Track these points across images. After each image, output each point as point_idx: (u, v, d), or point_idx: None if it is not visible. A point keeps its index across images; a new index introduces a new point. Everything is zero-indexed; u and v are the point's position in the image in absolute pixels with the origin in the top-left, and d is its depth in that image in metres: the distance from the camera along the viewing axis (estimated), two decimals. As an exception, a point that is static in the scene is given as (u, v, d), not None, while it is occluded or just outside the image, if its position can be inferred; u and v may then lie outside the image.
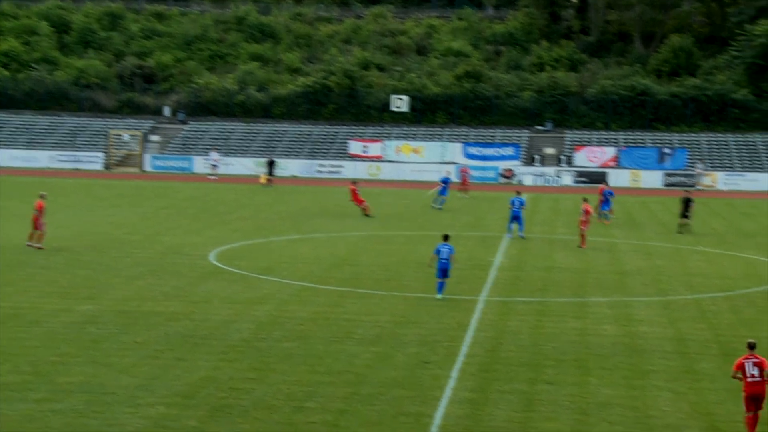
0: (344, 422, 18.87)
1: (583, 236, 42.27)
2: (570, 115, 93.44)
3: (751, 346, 18.37)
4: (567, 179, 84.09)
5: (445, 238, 30.66)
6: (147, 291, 30.87)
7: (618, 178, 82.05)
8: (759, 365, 17.95)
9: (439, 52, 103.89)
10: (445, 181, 60.36)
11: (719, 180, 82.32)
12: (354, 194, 54.10)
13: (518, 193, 46.98)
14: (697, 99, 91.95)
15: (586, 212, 42.50)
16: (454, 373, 22.16)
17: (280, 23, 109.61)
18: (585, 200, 43.96)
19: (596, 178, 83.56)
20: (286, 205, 59.85)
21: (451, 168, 77.81)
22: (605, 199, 53.35)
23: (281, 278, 33.67)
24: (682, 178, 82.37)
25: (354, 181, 56.70)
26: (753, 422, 18.03)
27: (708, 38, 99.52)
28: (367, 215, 52.62)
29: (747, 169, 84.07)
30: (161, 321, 26.63)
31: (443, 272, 29.99)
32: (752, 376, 17.96)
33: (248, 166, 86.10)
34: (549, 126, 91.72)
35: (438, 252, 30.10)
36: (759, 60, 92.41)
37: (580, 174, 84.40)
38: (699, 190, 75.19)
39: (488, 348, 24.63)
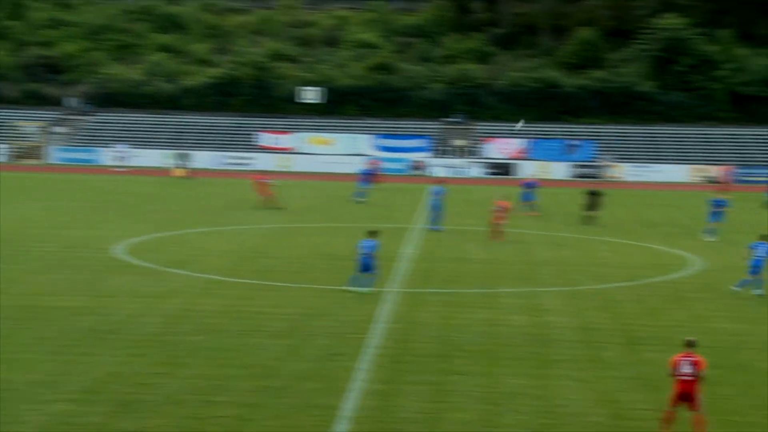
0: (254, 416, 18.75)
1: (498, 231, 42.26)
2: (480, 107, 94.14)
3: (688, 344, 18.34)
4: (477, 171, 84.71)
5: (371, 233, 30.61)
6: (51, 285, 30.29)
7: (527, 170, 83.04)
8: (693, 364, 17.91)
9: (350, 43, 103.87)
10: (367, 173, 60.30)
11: (625, 171, 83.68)
12: (260, 186, 53.67)
13: (440, 184, 46.85)
14: (604, 91, 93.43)
15: (503, 208, 42.55)
16: (365, 365, 22.16)
17: (188, 14, 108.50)
18: (502, 197, 44.00)
19: (506, 169, 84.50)
20: (196, 197, 59.30)
21: (363, 160, 77.85)
22: (528, 191, 53.81)
23: (191, 271, 33.33)
24: (589, 170, 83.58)
25: (262, 173, 56.36)
26: (698, 422, 17.95)
27: (614, 32, 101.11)
28: (273, 208, 52.17)
29: (652, 161, 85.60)
30: (66, 316, 26.16)
31: (363, 267, 29.94)
32: (684, 374, 17.95)
33: (156, 158, 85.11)
34: (459, 118, 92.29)
35: (360, 247, 30.08)
36: (663, 53, 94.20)
37: (490, 165, 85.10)
38: (605, 181, 76.32)
39: (398, 339, 24.68)
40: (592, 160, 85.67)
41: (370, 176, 60.44)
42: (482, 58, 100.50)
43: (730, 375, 22.00)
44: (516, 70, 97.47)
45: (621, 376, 21.96)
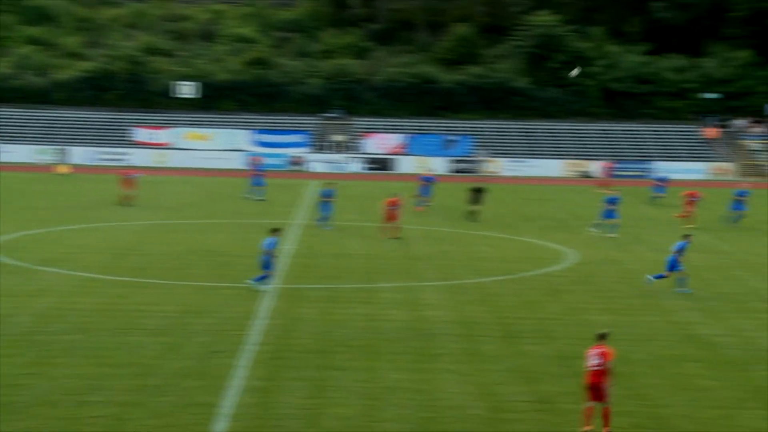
0: (132, 415, 18.38)
1: (392, 227, 41.95)
2: (358, 102, 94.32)
3: (599, 337, 18.54)
4: (356, 166, 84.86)
5: (273, 231, 30.34)
6: None
7: (406, 165, 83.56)
8: (601, 355, 18.08)
9: (226, 38, 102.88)
10: (259, 170, 59.57)
11: (502, 166, 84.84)
12: (125, 182, 52.45)
13: (330, 186, 46.40)
14: (480, 87, 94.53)
15: (393, 203, 42.39)
16: (244, 362, 21.94)
17: (59, 6, 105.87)
18: (394, 195, 43.62)
19: (384, 164, 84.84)
20: (69, 193, 57.98)
21: (242, 155, 77.17)
22: (426, 185, 53.95)
23: (64, 269, 32.54)
24: (467, 165, 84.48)
25: (130, 168, 55.43)
26: (604, 415, 18.09)
27: (490, 28, 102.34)
28: (127, 205, 50.95)
29: (528, 156, 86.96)
30: (-67, 317, 25.26)
31: (263, 264, 29.68)
32: (591, 366, 18.15)
33: (27, 154, 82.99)
34: (337, 113, 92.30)
35: (262, 245, 29.88)
36: (537, 50, 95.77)
37: (369, 161, 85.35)
38: (483, 176, 77.23)
39: (279, 336, 24.51)
40: (470, 155, 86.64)
41: (262, 173, 59.44)
42: (360, 53, 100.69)
43: (606, 365, 22.38)
44: (393, 65, 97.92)
45: (500, 369, 22.19)
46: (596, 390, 18.06)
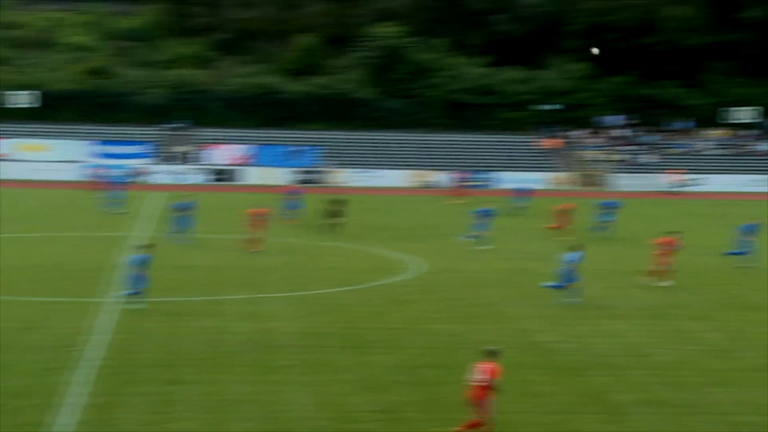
0: (-38, 438, 17.66)
1: (255, 240, 41.41)
2: (202, 112, 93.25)
3: (488, 353, 18.66)
4: (200, 177, 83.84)
5: (141, 248, 29.62)
6: None
7: (251, 176, 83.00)
8: (486, 371, 18.19)
9: (65, 46, 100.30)
10: (117, 181, 57.94)
11: (347, 177, 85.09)
12: None
13: (188, 199, 45.40)
14: (326, 98, 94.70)
15: (258, 214, 41.86)
16: (84, 378, 21.33)
17: None
18: (259, 206, 42.95)
19: (230, 175, 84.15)
20: None
21: (81, 167, 75.27)
22: (291, 199, 53.32)
23: None
24: (313, 175, 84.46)
25: None
26: (472, 424, 18.20)
27: (334, 39, 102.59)
28: None
29: (373, 166, 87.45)
30: None
31: (131, 281, 28.98)
32: (473, 380, 18.28)
33: None
34: (181, 123, 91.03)
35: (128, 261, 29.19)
36: (381, 61, 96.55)
37: (214, 172, 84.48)
38: (329, 186, 77.33)
39: (120, 350, 23.94)
40: (316, 165, 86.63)
41: (124, 184, 57.74)
42: (204, 63, 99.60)
43: (448, 374, 22.62)
44: (238, 75, 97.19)
45: (346, 379, 22.17)
46: (476, 405, 18.25)
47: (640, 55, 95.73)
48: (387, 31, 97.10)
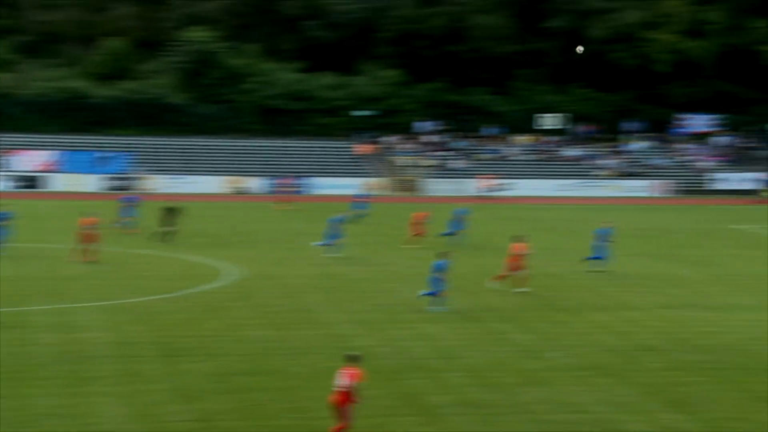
0: None
1: (88, 250, 39.71)
2: (4, 117, 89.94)
3: (349, 358, 18.57)
4: (3, 184, 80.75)
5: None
6: None
7: (58, 183, 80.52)
8: (346, 377, 18.14)
9: None
10: None
11: (159, 183, 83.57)
12: None
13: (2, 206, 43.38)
14: (135, 102, 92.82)
15: (90, 223, 40.26)
16: None
17: None
18: (91, 214, 41.31)
19: (34, 182, 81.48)
20: None
21: None
22: (127, 207, 51.37)
23: None
24: (123, 182, 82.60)
25: None
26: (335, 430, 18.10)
27: (144, 43, 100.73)
28: None
29: (185, 172, 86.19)
30: None
31: None
32: (338, 386, 18.21)
33: None
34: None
35: None
36: (192, 66, 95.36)
37: (17, 179, 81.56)
38: (139, 192, 75.76)
39: None
40: (125, 172, 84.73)
41: None
42: (5, 66, 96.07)
43: (263, 381, 22.42)
44: (42, 79, 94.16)
45: (159, 389, 21.66)
46: (339, 410, 18.21)
47: (450, 62, 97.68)
48: (198, 35, 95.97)
